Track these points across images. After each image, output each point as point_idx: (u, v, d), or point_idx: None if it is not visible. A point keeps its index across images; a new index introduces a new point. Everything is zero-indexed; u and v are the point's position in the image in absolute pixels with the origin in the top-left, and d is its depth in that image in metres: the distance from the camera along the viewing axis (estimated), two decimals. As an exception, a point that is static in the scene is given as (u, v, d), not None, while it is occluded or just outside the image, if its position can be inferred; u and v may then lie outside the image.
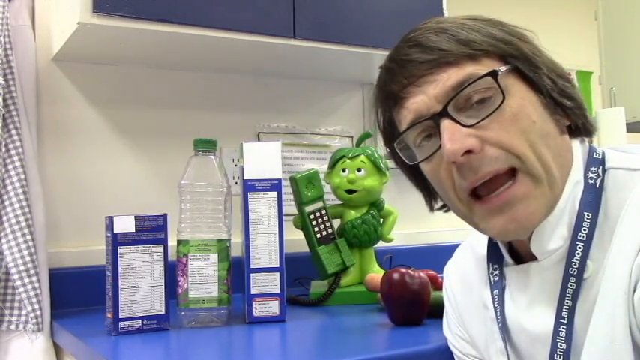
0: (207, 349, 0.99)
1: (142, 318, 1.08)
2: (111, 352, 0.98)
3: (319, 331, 1.14)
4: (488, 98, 0.68)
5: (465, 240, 0.91)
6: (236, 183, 1.49)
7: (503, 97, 0.67)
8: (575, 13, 2.34)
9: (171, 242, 1.13)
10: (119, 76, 1.47)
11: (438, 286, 1.16)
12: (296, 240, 1.38)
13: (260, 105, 1.65)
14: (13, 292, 1.21)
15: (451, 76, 0.69)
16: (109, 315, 1.08)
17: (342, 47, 1.39)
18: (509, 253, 0.78)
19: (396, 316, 1.09)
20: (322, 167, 1.63)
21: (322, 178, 1.38)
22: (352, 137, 1.76)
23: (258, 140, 1.62)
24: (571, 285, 0.68)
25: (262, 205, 1.15)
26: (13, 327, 1.22)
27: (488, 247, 0.81)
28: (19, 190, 1.21)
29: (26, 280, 1.19)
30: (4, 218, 1.20)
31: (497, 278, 0.78)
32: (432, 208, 0.83)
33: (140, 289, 1.08)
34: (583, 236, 0.68)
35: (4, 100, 1.23)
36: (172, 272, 1.12)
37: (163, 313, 1.10)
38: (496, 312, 0.77)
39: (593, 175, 0.71)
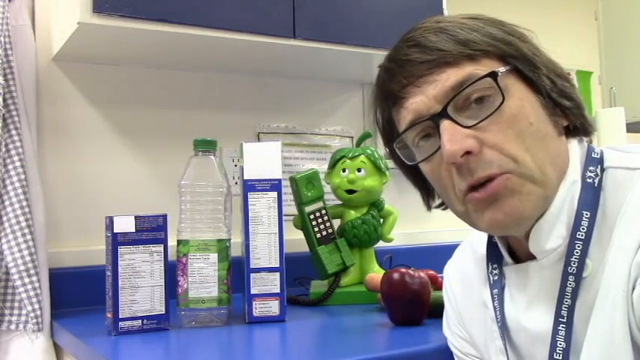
0: (207, 349, 0.99)
1: (142, 318, 1.08)
2: (111, 352, 0.98)
3: (319, 331, 1.14)
4: (487, 97, 0.68)
5: (465, 240, 0.91)
6: (236, 183, 1.49)
7: (503, 99, 0.67)
8: (575, 13, 2.34)
9: (171, 242, 1.13)
10: (119, 76, 1.47)
11: (437, 286, 1.16)
12: (296, 240, 1.38)
13: (260, 105, 1.65)
14: (13, 292, 1.21)
15: (450, 77, 0.69)
16: (109, 315, 1.08)
17: (342, 47, 1.39)
18: (508, 253, 0.78)
19: (396, 316, 1.09)
20: (322, 167, 1.63)
21: (322, 178, 1.38)
22: (352, 137, 1.76)
23: (258, 140, 1.62)
24: (570, 284, 0.68)
25: (262, 205, 1.15)
26: (13, 327, 1.22)
27: (487, 246, 0.81)
28: (19, 190, 1.21)
29: (26, 280, 1.19)
30: (4, 218, 1.20)
31: (496, 278, 0.78)
32: (429, 207, 0.83)
33: (140, 289, 1.08)
34: (582, 235, 0.68)
35: (4, 100, 1.23)
36: (172, 272, 1.12)
37: (163, 313, 1.10)
38: (495, 311, 0.77)
39: (591, 175, 0.71)
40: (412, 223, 1.78)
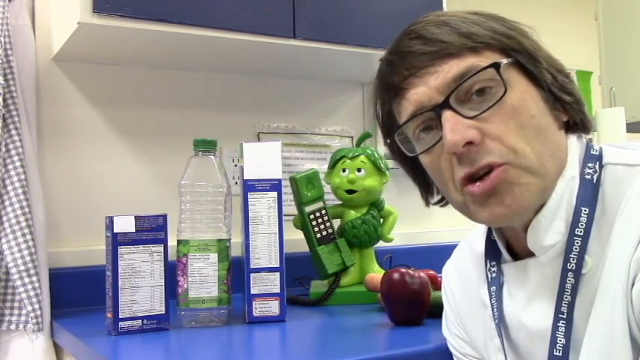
0: (207, 349, 0.99)
1: (142, 318, 1.08)
2: (111, 352, 0.98)
3: (319, 331, 1.14)
4: (489, 89, 0.68)
5: (463, 239, 0.91)
6: (236, 183, 1.49)
7: (505, 90, 0.67)
8: (575, 13, 2.34)
9: (171, 242, 1.13)
10: (119, 76, 1.47)
11: (437, 286, 1.16)
12: (296, 240, 1.38)
13: (260, 105, 1.65)
14: (13, 292, 1.21)
15: (452, 68, 0.69)
16: (109, 315, 1.08)
17: (342, 47, 1.39)
18: (506, 251, 0.78)
19: (396, 316, 1.09)
20: (322, 167, 1.63)
21: (322, 178, 1.38)
22: (352, 137, 1.76)
23: (258, 140, 1.62)
24: (569, 280, 0.68)
25: (262, 205, 1.15)
26: (13, 327, 1.22)
27: (486, 243, 0.81)
28: (19, 190, 1.21)
29: (26, 280, 1.19)
30: (4, 218, 1.20)
31: (494, 275, 0.78)
32: (427, 203, 0.83)
33: (140, 289, 1.08)
34: (580, 231, 0.68)
35: (4, 100, 1.23)
36: (172, 272, 1.12)
37: (163, 313, 1.10)
38: (493, 309, 0.77)
39: (590, 171, 0.71)
40: (412, 223, 1.78)
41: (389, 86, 0.74)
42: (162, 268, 1.10)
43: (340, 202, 1.43)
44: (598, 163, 0.72)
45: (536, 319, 0.72)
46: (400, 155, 0.77)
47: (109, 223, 1.08)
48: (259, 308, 1.14)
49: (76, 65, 1.42)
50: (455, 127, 0.67)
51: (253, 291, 1.14)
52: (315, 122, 1.73)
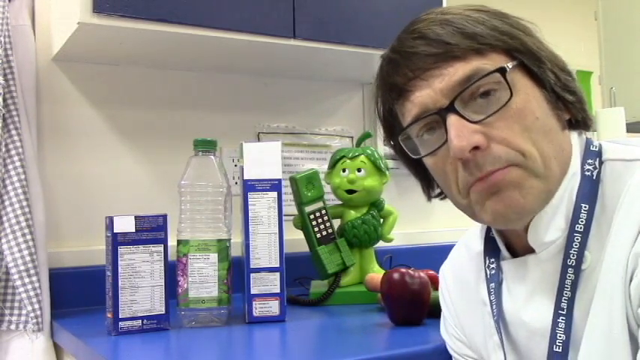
0: (207, 349, 0.99)
1: (142, 318, 1.08)
2: (111, 352, 0.98)
3: (319, 331, 1.14)
4: (493, 91, 0.68)
5: (459, 239, 0.91)
6: (236, 183, 1.49)
7: (511, 95, 0.67)
8: (575, 13, 2.34)
9: (171, 242, 1.13)
10: (119, 76, 1.47)
11: (437, 286, 1.16)
12: (296, 240, 1.38)
13: (260, 105, 1.65)
14: (13, 292, 1.21)
15: (458, 71, 0.68)
16: (109, 315, 1.08)
17: (342, 47, 1.39)
18: (505, 247, 0.78)
19: (396, 316, 1.09)
20: (322, 167, 1.63)
21: (322, 178, 1.38)
22: (352, 137, 1.76)
23: (258, 140, 1.62)
24: (569, 276, 0.68)
25: (262, 205, 1.15)
26: (13, 327, 1.22)
27: (485, 241, 0.81)
28: (19, 190, 1.21)
29: (26, 280, 1.19)
30: (4, 218, 1.20)
31: (493, 272, 0.79)
32: (429, 197, 0.83)
33: (140, 289, 1.08)
34: (580, 227, 0.69)
35: (4, 100, 1.23)
36: (172, 272, 1.12)
37: (163, 313, 1.10)
38: (492, 305, 0.77)
39: (590, 167, 0.71)
40: (412, 223, 1.78)
41: (392, 86, 0.74)
42: (162, 268, 1.10)
43: (340, 202, 1.43)
44: (598, 159, 0.72)
45: (535, 316, 0.72)
46: (403, 154, 0.77)
47: (109, 223, 1.08)
48: (259, 308, 1.14)
49: (76, 65, 1.42)
50: (461, 133, 0.67)
51: (253, 291, 1.14)
52: (315, 122, 1.72)
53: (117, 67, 1.47)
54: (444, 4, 1.52)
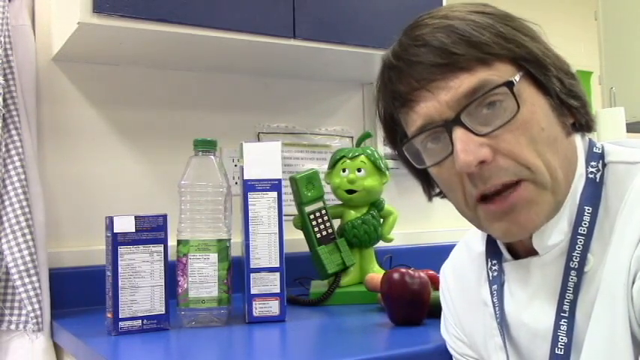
0: (207, 349, 0.99)
1: (142, 318, 1.08)
2: (111, 352, 0.98)
3: (319, 331, 1.14)
4: (499, 102, 0.67)
5: (461, 239, 0.91)
6: (236, 183, 1.49)
7: (518, 108, 0.66)
8: (575, 14, 2.34)
9: (171, 242, 1.13)
10: (119, 76, 1.47)
11: (437, 286, 1.16)
12: (296, 240, 1.38)
13: (260, 105, 1.65)
14: (13, 292, 1.21)
15: (464, 83, 0.67)
16: (109, 315, 1.08)
17: (342, 47, 1.39)
18: (507, 249, 0.78)
19: (396, 316, 1.09)
20: (322, 167, 1.63)
21: (322, 178, 1.38)
22: (352, 137, 1.76)
23: (258, 140, 1.62)
24: (572, 279, 0.68)
25: (262, 205, 1.15)
26: (13, 327, 1.22)
27: (486, 243, 0.81)
28: (19, 190, 1.21)
29: (26, 280, 1.19)
30: (4, 218, 1.20)
31: (495, 274, 0.79)
32: (430, 197, 0.82)
33: (140, 289, 1.08)
34: (584, 230, 0.69)
35: (4, 100, 1.23)
36: (172, 272, 1.12)
37: (163, 313, 1.10)
38: (494, 307, 0.77)
39: (593, 170, 0.71)
40: (412, 223, 1.78)
41: (395, 94, 0.72)
42: (162, 268, 1.10)
43: (340, 202, 1.43)
44: (600, 161, 0.72)
45: (538, 318, 0.72)
46: (406, 160, 0.77)
47: (109, 223, 1.08)
48: (259, 308, 1.14)
49: (76, 65, 1.42)
50: (467, 147, 0.66)
51: (253, 291, 1.14)
52: (315, 122, 1.72)
53: (117, 67, 1.47)
54: (444, 4, 1.52)
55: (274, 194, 1.15)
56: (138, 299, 1.08)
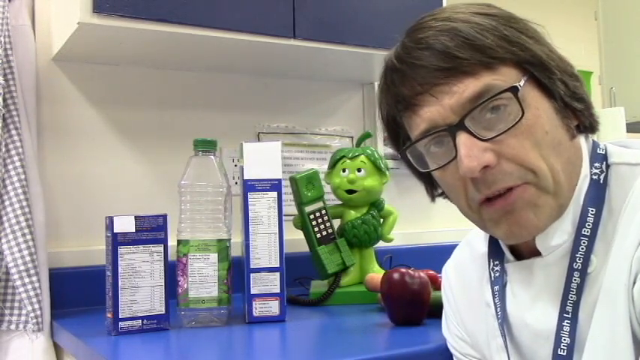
0: (207, 349, 0.99)
1: (142, 318, 1.08)
2: (111, 352, 0.98)
3: (319, 331, 1.14)
4: (503, 107, 0.67)
5: (463, 239, 0.91)
6: (236, 183, 1.49)
7: (522, 113, 0.66)
8: (575, 14, 2.34)
9: (171, 242, 1.13)
10: (119, 76, 1.47)
11: (437, 286, 1.16)
12: (296, 240, 1.38)
13: (260, 105, 1.65)
14: (13, 292, 1.21)
15: (468, 87, 0.67)
16: (109, 315, 1.08)
17: (342, 47, 1.39)
18: (509, 249, 0.78)
19: (396, 316, 1.09)
20: (322, 167, 1.63)
21: (322, 178, 1.38)
22: (352, 137, 1.76)
23: (258, 140, 1.62)
24: (575, 280, 0.68)
25: (262, 205, 1.15)
26: (13, 327, 1.22)
27: (489, 243, 0.81)
28: (19, 190, 1.21)
29: (26, 280, 1.19)
30: (4, 218, 1.20)
31: (497, 274, 0.79)
32: (433, 197, 0.82)
33: (140, 289, 1.08)
34: (587, 231, 0.69)
35: (4, 100, 1.23)
36: (172, 272, 1.12)
37: (163, 313, 1.10)
38: (496, 308, 0.78)
39: (597, 171, 0.71)
40: (412, 223, 1.78)
41: (398, 97, 0.72)
42: (162, 268, 1.10)
43: (340, 202, 1.43)
44: (604, 162, 0.72)
45: (540, 319, 0.72)
46: (409, 164, 0.76)
47: (109, 223, 1.08)
48: (259, 308, 1.14)
49: (76, 65, 1.42)
50: (471, 152, 0.66)
51: (253, 291, 1.14)
52: (315, 122, 1.72)
53: (117, 67, 1.47)
54: (444, 4, 1.52)
55: (274, 194, 1.15)
56: (138, 299, 1.08)
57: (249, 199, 1.14)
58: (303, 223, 1.34)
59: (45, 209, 1.29)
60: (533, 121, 0.67)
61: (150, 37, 1.25)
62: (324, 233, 1.34)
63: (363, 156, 1.40)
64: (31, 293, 1.19)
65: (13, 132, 1.23)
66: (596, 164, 0.72)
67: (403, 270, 1.08)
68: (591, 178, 0.71)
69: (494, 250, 0.80)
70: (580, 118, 0.72)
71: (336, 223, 1.40)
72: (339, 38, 1.38)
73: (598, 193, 0.70)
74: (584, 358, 0.67)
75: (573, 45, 2.25)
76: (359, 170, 1.38)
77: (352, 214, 1.41)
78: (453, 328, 0.89)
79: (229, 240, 1.15)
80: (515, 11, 0.73)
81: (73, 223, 1.40)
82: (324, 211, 1.34)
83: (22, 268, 1.19)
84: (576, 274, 0.68)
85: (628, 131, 1.90)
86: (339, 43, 1.38)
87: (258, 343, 1.05)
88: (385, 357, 0.91)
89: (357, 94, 1.80)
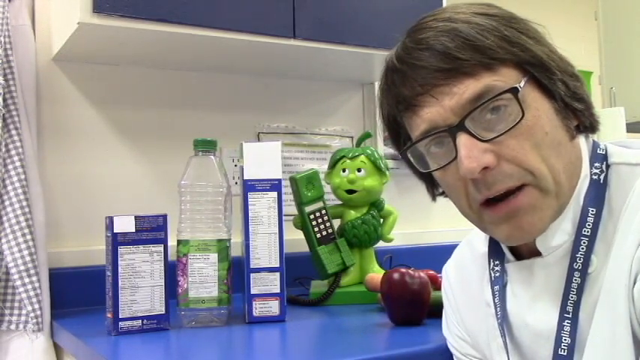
0: (207, 349, 0.99)
1: (142, 318, 1.08)
2: (111, 352, 0.98)
3: (319, 331, 1.14)
4: (504, 107, 0.67)
5: (464, 239, 0.91)
6: (236, 183, 1.49)
7: (523, 114, 0.66)
8: (575, 14, 2.34)
9: (171, 242, 1.13)
10: (119, 76, 1.47)
11: (437, 286, 1.16)
12: (296, 240, 1.38)
13: (260, 105, 1.65)
14: (13, 292, 1.21)
15: (468, 88, 0.67)
16: (109, 315, 1.08)
17: (342, 47, 1.39)
18: (509, 249, 0.78)
19: (396, 316, 1.09)
20: (322, 167, 1.63)
21: (322, 178, 1.38)
22: (352, 137, 1.76)
23: (258, 140, 1.62)
24: (575, 280, 0.68)
25: (262, 205, 1.15)
26: (13, 327, 1.22)
27: (489, 243, 0.81)
28: (19, 190, 1.21)
29: (26, 280, 1.19)
30: (4, 218, 1.20)
31: (498, 274, 0.79)
32: (434, 197, 0.82)
33: (140, 289, 1.08)
34: (587, 231, 0.69)
35: (4, 100, 1.23)
36: (172, 272, 1.12)
37: (163, 313, 1.10)
38: (496, 308, 0.78)
39: (597, 171, 0.71)
40: (412, 223, 1.78)
41: (398, 98, 0.72)
42: (162, 268, 1.10)
43: (340, 202, 1.43)
44: (604, 162, 0.72)
45: (541, 319, 0.72)
46: (409, 163, 0.76)
47: (109, 223, 1.08)
48: (259, 308, 1.14)
49: (76, 65, 1.42)
50: (471, 153, 0.66)
51: (253, 291, 1.14)
52: (315, 122, 1.72)
53: (117, 67, 1.47)
54: (444, 4, 1.52)
55: (274, 194, 1.15)
56: (138, 299, 1.08)
57: (249, 199, 1.14)
58: (303, 223, 1.34)
59: (45, 209, 1.29)
60: (533, 122, 0.67)
61: (150, 37, 1.25)
62: (324, 233, 1.34)
63: (363, 156, 1.40)
64: (31, 293, 1.19)
65: (13, 132, 1.23)
66: (597, 164, 0.72)
67: (403, 270, 1.08)
68: (591, 178, 0.71)
69: (495, 250, 0.80)
70: (580, 119, 0.72)
71: (336, 223, 1.40)
72: (339, 38, 1.38)
73: (598, 193, 0.70)
74: (584, 358, 0.67)
75: (573, 45, 2.25)
76: (359, 170, 1.38)
77: (352, 214, 1.41)
78: (453, 328, 0.89)
79: (229, 240, 1.15)
80: (515, 11, 0.73)
81: (73, 223, 1.40)
82: (324, 211, 1.34)
83: (22, 268, 1.19)
84: (577, 274, 0.68)
85: (628, 131, 1.90)
86: (339, 43, 1.38)
87: (258, 343, 1.05)
88: (385, 357, 0.91)
89: (357, 94, 1.80)
